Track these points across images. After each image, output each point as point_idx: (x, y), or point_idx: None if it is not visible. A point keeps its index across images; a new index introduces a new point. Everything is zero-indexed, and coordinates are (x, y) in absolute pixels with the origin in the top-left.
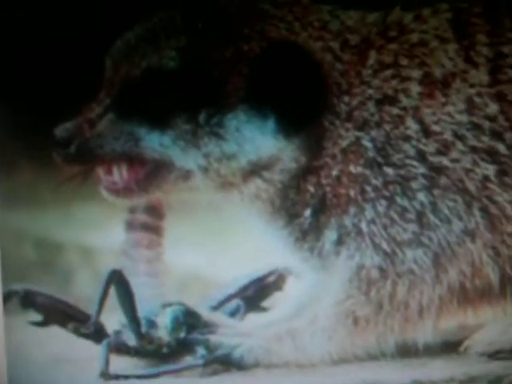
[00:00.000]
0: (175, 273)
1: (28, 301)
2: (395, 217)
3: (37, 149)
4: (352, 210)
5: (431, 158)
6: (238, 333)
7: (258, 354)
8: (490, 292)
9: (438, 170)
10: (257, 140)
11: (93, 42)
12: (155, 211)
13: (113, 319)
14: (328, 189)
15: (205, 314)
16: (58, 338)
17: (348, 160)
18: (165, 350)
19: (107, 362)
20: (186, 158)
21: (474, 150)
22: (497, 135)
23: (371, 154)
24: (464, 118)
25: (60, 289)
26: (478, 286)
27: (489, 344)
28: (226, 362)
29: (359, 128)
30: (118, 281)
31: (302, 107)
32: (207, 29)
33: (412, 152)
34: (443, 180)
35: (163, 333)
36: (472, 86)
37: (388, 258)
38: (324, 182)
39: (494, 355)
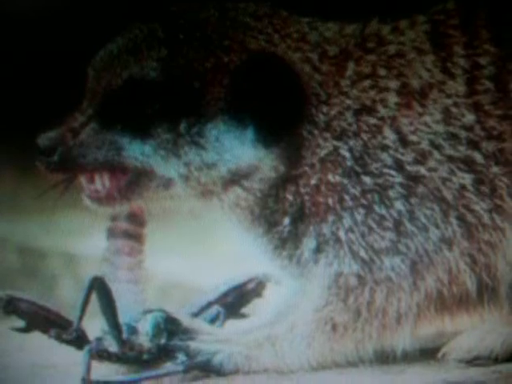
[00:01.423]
0: (156, 280)
1: (11, 307)
2: (373, 225)
3: (20, 157)
4: (330, 218)
5: (408, 167)
6: (217, 339)
7: (237, 360)
8: (467, 299)
9: (415, 178)
10: (236, 149)
11: (75, 53)
12: (136, 219)
13: (94, 325)
14: (307, 197)
15: (185, 320)
16: (40, 344)
17: (326, 169)
18: (146, 356)
19: (89, 368)
20: (167, 167)
21: (450, 159)
22: (473, 145)
23: (349, 163)
24: (441, 127)
25: (43, 295)
26: (456, 293)
27: (467, 351)
28: (206, 368)
29: (337, 138)
30: (99, 287)
31: (281, 117)
32: (188, 40)
33: (389, 161)
34: (420, 189)
35: (144, 339)
36: (449, 96)
37: (366, 266)
38: (303, 190)
39: (472, 362)
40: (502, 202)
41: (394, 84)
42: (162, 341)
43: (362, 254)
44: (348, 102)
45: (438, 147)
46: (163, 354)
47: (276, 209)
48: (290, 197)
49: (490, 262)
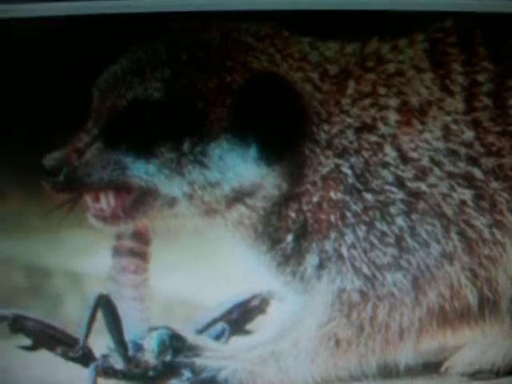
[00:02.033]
0: (161, 297)
1: (17, 325)
2: (375, 241)
3: (26, 177)
4: (333, 235)
5: (409, 184)
6: (222, 356)
7: (242, 376)
8: (468, 313)
9: (416, 195)
10: (239, 168)
11: (80, 74)
12: (141, 237)
13: (100, 343)
14: (309, 215)
15: (190, 337)
16: (46, 361)
17: (328, 186)
18: (151, 373)
19: None
20: (171, 186)
21: (450, 175)
22: (473, 161)
23: (351, 180)
24: (441, 144)
25: (49, 313)
26: (457, 307)
27: (469, 364)
28: None
29: (339, 155)
30: (105, 305)
31: (283, 136)
32: (191, 61)
33: (390, 178)
34: (421, 205)
35: (150, 356)
36: (448, 113)
37: (368, 282)
38: (305, 208)
39: (474, 375)
40: (501, 217)
41: (393, 102)
42: (168, 358)
43: (365, 269)
44: (349, 120)
45: (438, 164)
46: (169, 370)
47: (279, 226)
48: (292, 214)
49: (490, 276)
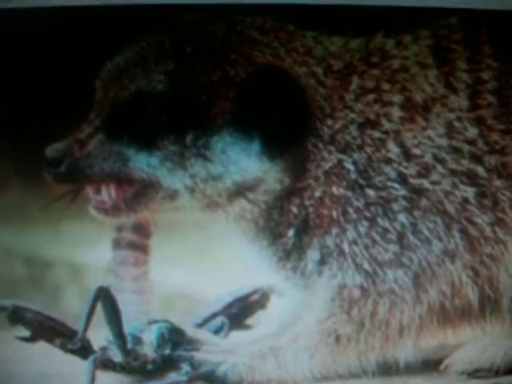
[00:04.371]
0: (161, 290)
1: (16, 316)
2: (376, 237)
3: (27, 168)
4: (334, 230)
5: (412, 181)
6: (222, 350)
7: (241, 371)
8: (469, 312)
9: (419, 192)
10: (242, 162)
11: (83, 65)
12: (142, 230)
13: (99, 335)
14: (311, 210)
15: (189, 331)
16: (45, 353)
17: (331, 182)
18: (150, 366)
19: (93, 378)
20: (173, 179)
21: (453, 172)
22: (476, 158)
23: (353, 176)
24: (444, 141)
25: (48, 305)
26: (458, 305)
27: (468, 363)
28: (210, 379)
29: (342, 151)
30: (105, 298)
31: (286, 130)
32: (195, 53)
33: (393, 174)
34: (423, 202)
35: (149, 349)
36: (452, 110)
37: (369, 278)
38: (307, 203)
39: (474, 374)
40: (504, 216)
41: (397, 98)
42: (167, 351)
43: (366, 266)
44: (352, 115)
45: (441, 161)
46: (167, 364)
47: (280, 221)
48: (294, 209)
49: (492, 274)
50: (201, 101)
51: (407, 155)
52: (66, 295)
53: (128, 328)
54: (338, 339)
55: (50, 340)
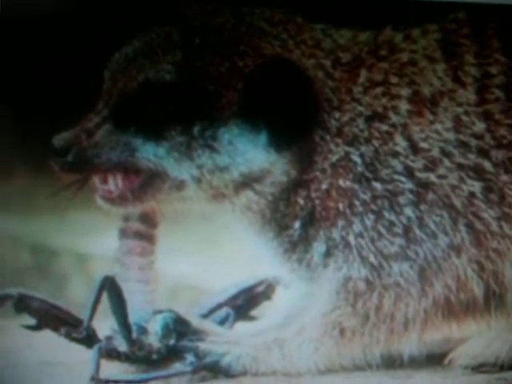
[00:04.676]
0: (166, 280)
1: (22, 305)
2: (382, 231)
3: (34, 157)
4: (340, 223)
5: (419, 174)
6: (226, 341)
7: (245, 362)
8: (474, 306)
9: (425, 185)
10: (249, 153)
11: (92, 55)
12: (149, 220)
13: (104, 325)
14: (317, 202)
15: (194, 321)
16: (49, 341)
17: (337, 174)
18: (155, 356)
19: (98, 367)
20: (180, 169)
21: (460, 167)
22: (483, 153)
23: (360, 168)
24: (451, 135)
25: (54, 294)
26: (463, 299)
27: (473, 357)
28: (215, 370)
29: (349, 143)
30: (110, 287)
31: (293, 122)
32: (203, 44)
33: (400, 168)
34: (430, 196)
35: (153, 339)
36: (459, 104)
37: (375, 271)
38: (313, 195)
39: (478, 368)
40: (510, 210)
41: (405, 92)
42: (171, 341)
43: (371, 259)
44: (360, 108)
45: (448, 155)
46: (172, 354)
47: (287, 213)
48: (300, 201)
49: (497, 269)
50: (208, 92)
51: (414, 149)
52: (72, 284)
53: (133, 318)
54: (342, 332)
55: (55, 328)
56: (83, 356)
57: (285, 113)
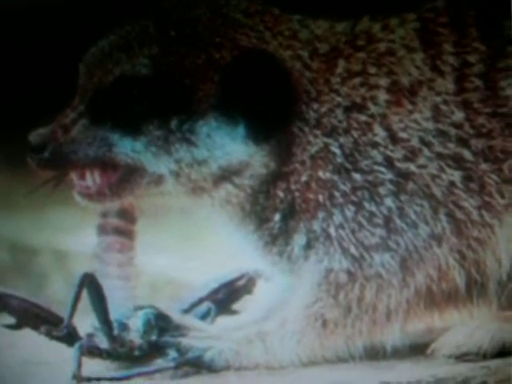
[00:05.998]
0: (146, 276)
1: (1, 304)
2: (363, 222)
3: (11, 154)
4: (321, 214)
5: (398, 164)
6: (208, 336)
7: (228, 356)
8: (456, 295)
9: (405, 175)
10: (227, 146)
11: (67, 50)
12: (127, 215)
13: (85, 322)
14: (297, 194)
15: (176, 316)
16: (31, 340)
17: (317, 166)
18: (136, 352)
19: (79, 365)
20: (158, 164)
21: (440, 156)
22: (462, 142)
23: (339, 160)
24: (430, 125)
25: (33, 292)
26: (445, 289)
27: (456, 346)
28: (197, 365)
29: (328, 135)
30: (90, 284)
31: (271, 114)
32: (179, 37)
33: (380, 158)
34: (410, 186)
35: (135, 336)
36: (438, 94)
37: (356, 262)
38: (293, 187)
39: (461, 357)
40: (490, 199)
41: (383, 81)
42: (153, 337)
43: (352, 250)
44: (338, 99)
45: (427, 144)
46: (154, 350)
47: (266, 205)
48: (280, 193)
49: (479, 258)
50: (185, 85)
51: (394, 139)
52: (51, 282)
53: (114, 314)
54: (324, 324)
55: (36, 327)
56: (66, 354)
57: (263, 105)
